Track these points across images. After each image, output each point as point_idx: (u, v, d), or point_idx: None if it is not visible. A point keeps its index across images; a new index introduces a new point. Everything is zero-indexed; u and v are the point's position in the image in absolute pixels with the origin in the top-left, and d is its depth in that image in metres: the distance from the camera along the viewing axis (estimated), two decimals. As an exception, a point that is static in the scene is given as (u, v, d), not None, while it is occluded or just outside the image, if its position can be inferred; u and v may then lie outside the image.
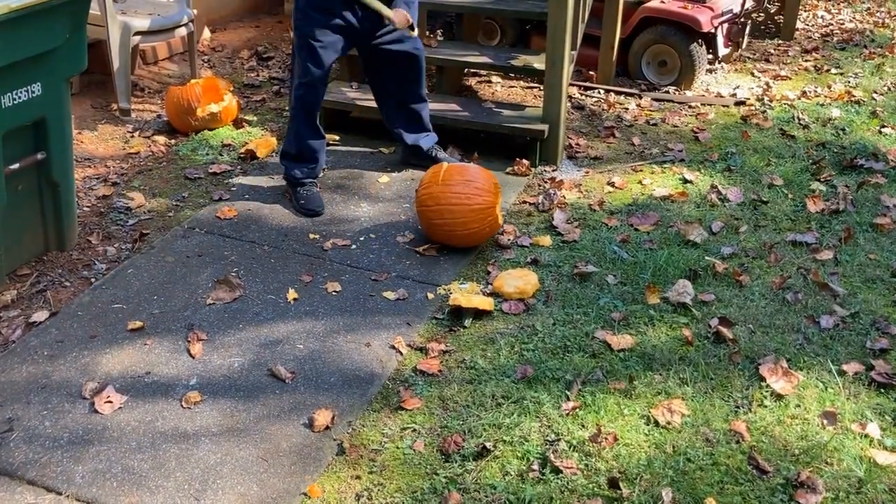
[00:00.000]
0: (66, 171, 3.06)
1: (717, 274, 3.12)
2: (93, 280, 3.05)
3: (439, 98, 4.42)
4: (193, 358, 2.65)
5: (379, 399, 2.50)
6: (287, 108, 3.90)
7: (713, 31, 5.08)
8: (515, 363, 2.65)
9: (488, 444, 2.29)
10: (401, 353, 2.70)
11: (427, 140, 3.83)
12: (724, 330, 2.77)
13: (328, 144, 4.20)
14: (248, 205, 3.61)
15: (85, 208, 3.55)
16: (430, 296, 2.99)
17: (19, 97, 2.74)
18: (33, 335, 2.75)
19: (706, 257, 3.22)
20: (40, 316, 2.84)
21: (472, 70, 5.18)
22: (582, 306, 2.93)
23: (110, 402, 2.45)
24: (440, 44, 4.65)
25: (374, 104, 4.25)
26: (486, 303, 2.88)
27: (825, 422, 2.41)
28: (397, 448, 2.32)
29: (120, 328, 2.78)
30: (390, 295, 2.99)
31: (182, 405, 2.46)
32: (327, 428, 2.37)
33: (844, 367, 2.63)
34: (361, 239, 3.36)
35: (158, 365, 2.62)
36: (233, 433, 2.36)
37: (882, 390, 2.55)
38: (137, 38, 4.45)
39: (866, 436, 2.36)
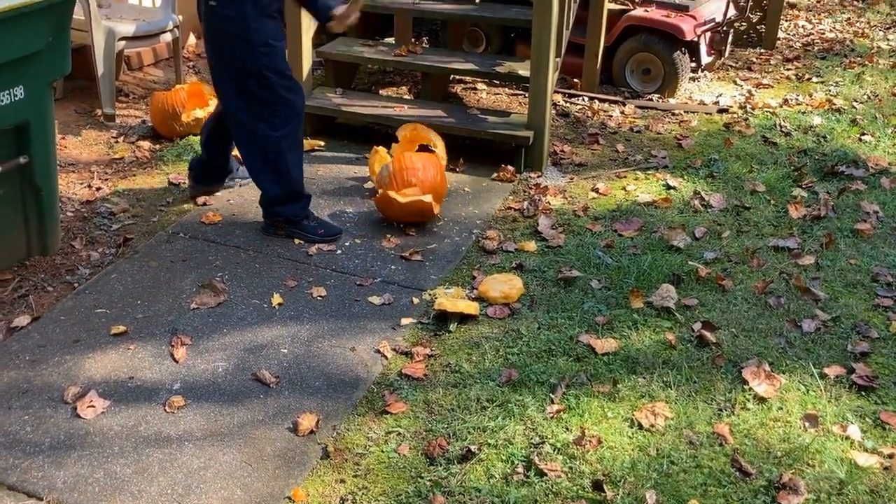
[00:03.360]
0: (48, 176, 3.04)
1: (701, 279, 3.14)
2: (76, 285, 3.03)
3: (425, 104, 4.44)
4: (177, 363, 2.63)
5: (364, 403, 2.50)
6: (238, 150, 3.34)
7: (696, 39, 5.12)
8: (500, 367, 2.64)
9: (473, 448, 2.29)
10: (386, 358, 2.69)
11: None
12: (708, 334, 2.78)
13: (314, 150, 4.22)
14: (233, 209, 3.59)
15: (69, 213, 3.53)
16: (416, 300, 2.99)
17: (1, 100, 2.73)
18: (15, 340, 2.73)
19: (689, 262, 3.23)
20: (22, 321, 2.81)
21: (457, 77, 5.19)
22: (566, 311, 2.94)
23: (93, 406, 2.43)
24: (425, 51, 4.67)
25: (360, 110, 4.28)
26: (471, 307, 2.88)
27: (807, 424, 2.43)
28: (382, 452, 2.31)
29: (103, 333, 2.76)
30: (375, 300, 2.98)
31: (165, 410, 2.44)
32: (312, 432, 2.36)
33: (826, 371, 2.65)
34: (347, 244, 3.36)
35: (142, 369, 2.60)
36: (217, 437, 2.34)
37: (862, 393, 2.57)
38: (122, 43, 4.43)
39: (847, 438, 2.38)
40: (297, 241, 3.32)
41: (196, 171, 3.63)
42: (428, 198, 3.38)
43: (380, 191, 3.46)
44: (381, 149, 3.78)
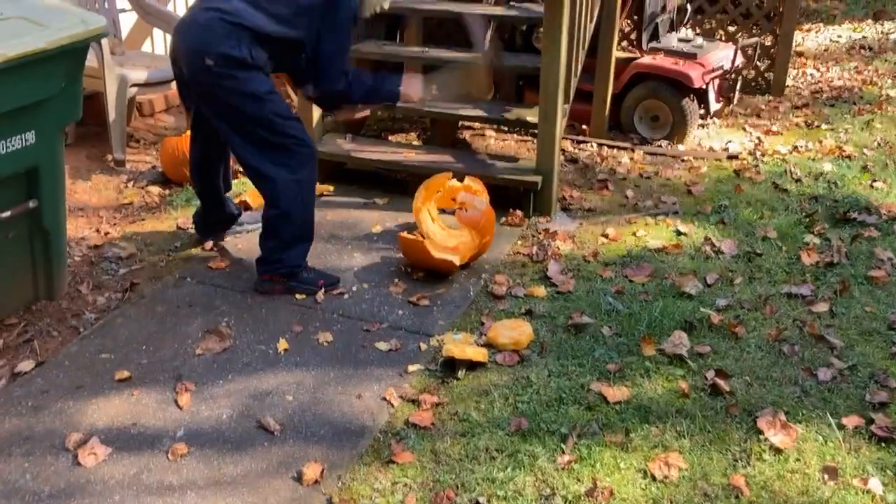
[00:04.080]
0: (57, 220, 3.05)
1: (713, 326, 3.10)
2: (81, 330, 3.02)
3: (433, 150, 4.46)
4: (181, 409, 2.61)
5: (370, 452, 2.45)
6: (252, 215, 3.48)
7: (704, 86, 5.15)
8: (510, 415, 2.60)
9: (482, 500, 2.24)
10: (392, 406, 2.66)
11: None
12: (721, 382, 2.74)
13: (322, 195, 4.23)
14: (241, 254, 3.60)
15: (76, 258, 3.53)
16: (423, 346, 2.97)
17: (13, 145, 2.75)
18: (17, 385, 2.70)
19: (701, 309, 3.20)
20: (26, 366, 2.79)
21: (465, 123, 5.23)
22: (577, 357, 2.91)
23: (94, 454, 2.40)
24: (434, 97, 4.70)
25: (369, 155, 4.31)
26: (479, 354, 2.86)
27: (826, 476, 2.37)
28: (388, 503, 2.26)
29: (107, 378, 2.74)
30: (382, 345, 2.96)
31: (168, 457, 2.40)
32: (316, 482, 2.32)
33: (844, 421, 2.59)
34: (354, 289, 3.35)
35: (145, 416, 2.57)
36: (220, 486, 2.30)
37: (883, 444, 2.50)
38: (134, 89, 4.49)
39: (868, 491, 2.32)
40: (298, 295, 3.27)
41: (198, 223, 3.67)
42: (457, 259, 3.39)
43: (416, 234, 3.45)
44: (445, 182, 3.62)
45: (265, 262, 3.28)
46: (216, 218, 3.65)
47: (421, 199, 3.58)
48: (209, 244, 3.65)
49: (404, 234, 3.48)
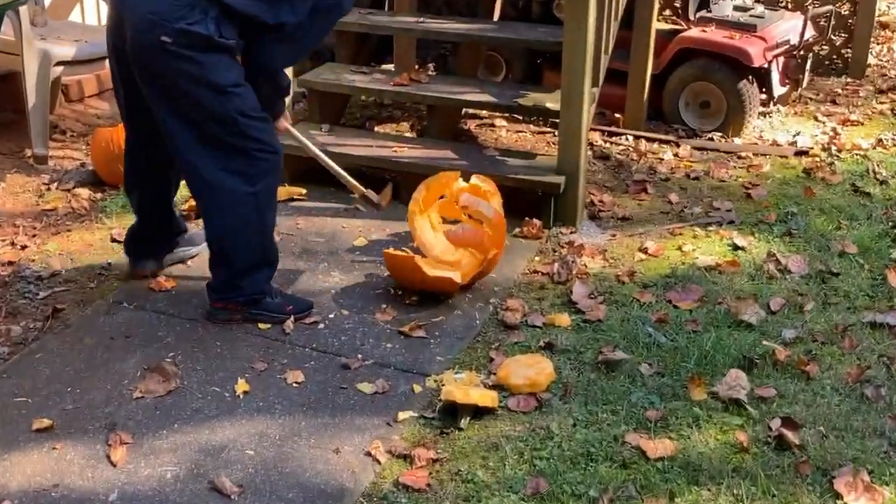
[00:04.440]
0: (-38, 230, 3.05)
1: (778, 363, 3.10)
2: (-9, 367, 3.02)
3: (430, 144, 4.47)
4: (115, 466, 2.60)
5: (350, 521, 2.45)
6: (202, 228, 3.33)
7: (766, 65, 5.17)
8: (525, 475, 2.59)
9: (490, 580, 2.23)
10: (378, 462, 2.65)
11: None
12: (789, 433, 2.73)
13: (292, 199, 4.24)
14: (191, 273, 3.59)
15: (-15, 277, 3.54)
16: (417, 388, 2.97)
17: None
18: (-89, 436, 2.70)
19: (764, 342, 3.20)
20: (-78, 412, 2.79)
21: (470, 111, 5.25)
22: (609, 403, 2.90)
23: (6, 523, 2.39)
24: (432, 79, 4.73)
25: (350, 150, 4.32)
26: (487, 398, 2.85)
27: (920, 552, 2.36)
28: (373, 584, 2.26)
29: (23, 428, 2.73)
30: (366, 387, 2.96)
31: (98, 527, 2.39)
32: (283, 558, 2.31)
33: (942, 482, 2.59)
34: (331, 316, 3.35)
35: (70, 475, 2.56)
36: (162, 564, 2.29)
37: None
38: (59, 69, 4.51)
39: (973, 570, 2.31)
40: (261, 325, 3.26)
41: (132, 244, 3.52)
42: (458, 277, 3.39)
43: (407, 250, 3.47)
44: (452, 178, 3.64)
45: (218, 290, 3.27)
46: (160, 238, 3.56)
47: (420, 201, 3.57)
48: (146, 271, 3.54)
49: (390, 250, 3.48)
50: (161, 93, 3.00)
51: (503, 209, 3.60)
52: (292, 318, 3.27)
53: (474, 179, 3.69)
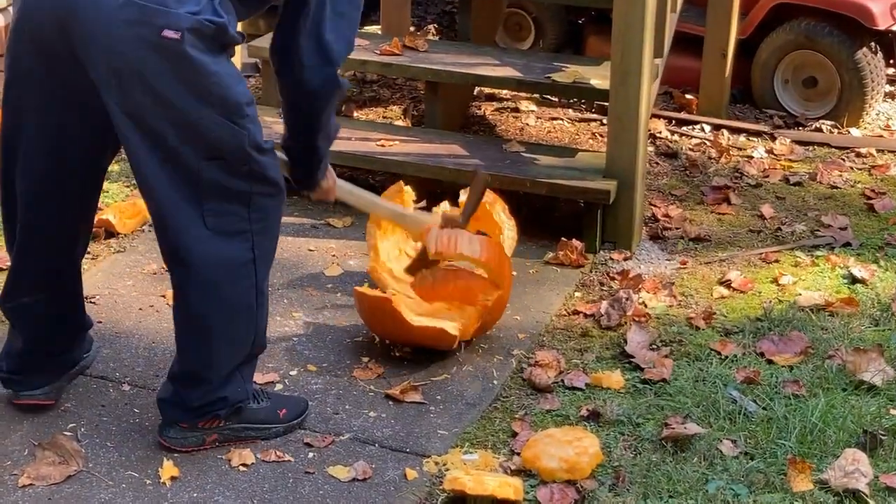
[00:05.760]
0: None
1: (912, 440, 3.07)
2: None
3: (431, 136, 4.48)
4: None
5: None
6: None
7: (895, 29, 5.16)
8: None
9: None
10: (357, 580, 2.63)
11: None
12: (929, 540, 2.70)
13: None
14: (100, 314, 3.56)
15: None
16: (412, 474, 2.94)
17: None
18: None
19: (892, 411, 3.18)
20: None
21: (486, 90, 5.26)
22: (677, 495, 2.88)
23: None
24: (433, 46, 4.73)
25: (319, 144, 4.29)
26: (509, 488, 2.81)
27: None
28: None
29: None
30: (341, 472, 2.93)
31: None
32: None
33: None
34: (293, 373, 3.35)
35: None
36: None
37: None
38: None
39: None
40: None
41: (13, 368, 3.28)
42: (454, 328, 3.35)
43: (382, 291, 3.46)
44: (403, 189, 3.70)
45: (187, 404, 3.09)
46: (59, 352, 3.30)
47: (376, 227, 3.62)
48: (47, 400, 3.27)
49: (364, 288, 3.45)
50: (137, 121, 2.84)
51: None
52: (284, 425, 3.18)
53: (462, 195, 3.68)
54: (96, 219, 3.95)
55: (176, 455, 2.97)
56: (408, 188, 3.74)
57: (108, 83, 2.77)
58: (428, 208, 3.83)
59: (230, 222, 2.91)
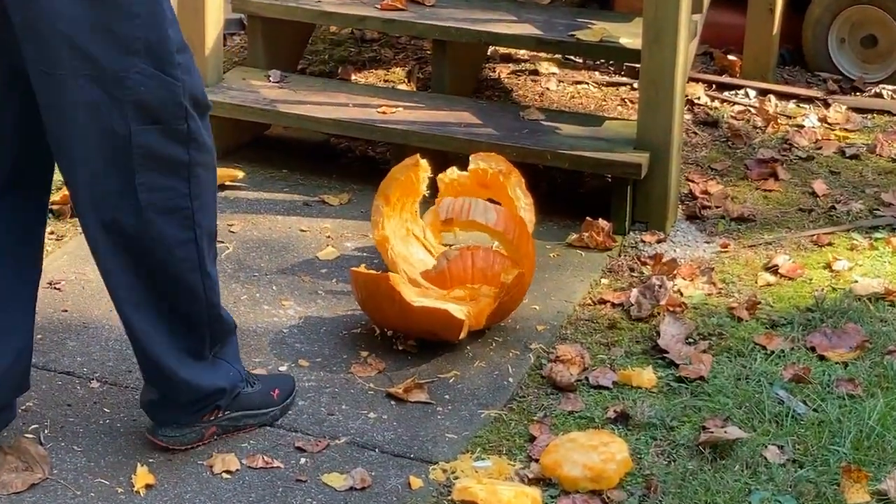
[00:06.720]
0: None
1: (985, 447, 3.09)
2: None
3: (439, 102, 4.49)
4: None
5: None
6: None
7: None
8: None
9: None
10: None
11: None
12: None
13: (224, 186, 4.22)
14: (66, 302, 3.59)
15: None
16: (417, 482, 2.95)
17: None
18: None
19: (961, 414, 3.19)
20: None
21: (500, 50, 5.28)
22: (717, 508, 2.87)
23: None
24: (441, 0, 4.72)
25: (313, 111, 4.31)
26: (526, 498, 2.84)
27: None
28: None
29: None
30: (336, 480, 2.94)
31: None
32: None
33: None
34: (283, 368, 3.38)
35: None
36: None
37: None
38: None
39: None
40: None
41: None
42: (460, 311, 3.37)
43: (390, 269, 3.52)
44: (418, 164, 3.70)
45: (181, 405, 3.12)
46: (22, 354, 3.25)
47: (384, 202, 3.63)
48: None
49: (361, 268, 3.48)
50: (54, 78, 2.81)
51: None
52: (278, 409, 3.23)
53: (474, 160, 3.73)
54: (60, 195, 3.96)
55: (151, 460, 2.97)
56: (423, 161, 3.71)
57: (24, 38, 2.75)
58: (433, 179, 3.84)
59: (166, 201, 2.88)
